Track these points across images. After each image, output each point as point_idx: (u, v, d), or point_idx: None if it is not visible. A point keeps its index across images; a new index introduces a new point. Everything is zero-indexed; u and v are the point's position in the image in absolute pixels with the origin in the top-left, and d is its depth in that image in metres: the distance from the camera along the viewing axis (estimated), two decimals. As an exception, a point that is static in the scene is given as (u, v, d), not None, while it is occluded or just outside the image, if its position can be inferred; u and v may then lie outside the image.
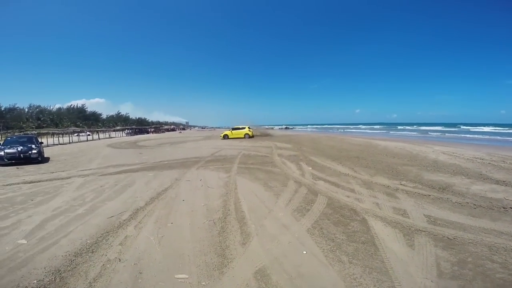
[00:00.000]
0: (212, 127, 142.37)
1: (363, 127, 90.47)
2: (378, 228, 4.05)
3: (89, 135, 39.74)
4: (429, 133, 40.78)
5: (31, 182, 7.69)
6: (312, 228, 4.10)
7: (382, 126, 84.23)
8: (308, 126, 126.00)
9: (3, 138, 28.05)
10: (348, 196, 5.77)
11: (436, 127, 65.41)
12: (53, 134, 29.43)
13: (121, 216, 4.77)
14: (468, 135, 32.96)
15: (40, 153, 12.69)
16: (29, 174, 9.25)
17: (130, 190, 6.60)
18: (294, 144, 19.06)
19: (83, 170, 9.74)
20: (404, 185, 6.64)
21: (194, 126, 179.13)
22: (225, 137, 27.71)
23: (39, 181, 7.77)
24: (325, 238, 3.76)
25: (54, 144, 25.49)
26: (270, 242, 3.70)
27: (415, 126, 74.06)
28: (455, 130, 47.86)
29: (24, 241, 3.77)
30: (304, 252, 3.39)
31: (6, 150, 11.78)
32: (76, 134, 37.54)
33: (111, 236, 3.96)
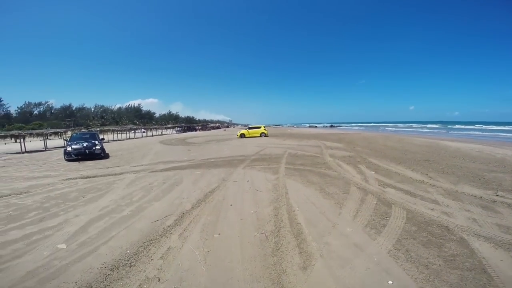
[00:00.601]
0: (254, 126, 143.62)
1: (415, 125, 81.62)
2: (486, 250, 3.17)
3: (144, 132, 42.94)
4: (499, 133, 33.88)
5: (87, 177, 7.96)
6: (394, 250, 3.23)
7: (439, 125, 74.35)
8: (353, 124, 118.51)
9: (73, 134, 31.97)
10: (432, 209, 4.69)
11: (506, 126, 55.03)
12: (113, 131, 32.43)
13: (166, 220, 4.33)
14: None
15: (103, 149, 13.53)
16: (88, 168, 9.75)
17: (178, 190, 6.26)
18: (346, 144, 17.44)
19: (135, 166, 9.93)
20: (502, 196, 5.26)
21: (237, 124, 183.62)
22: (242, 136, 27.27)
23: (95, 177, 8.00)
24: (415, 263, 2.94)
25: (113, 140, 27.97)
26: (340, 267, 2.92)
27: (477, 125, 63.83)
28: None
29: (63, 246, 3.52)
30: (390, 282, 2.63)
31: (73, 146, 12.52)
32: (133, 131, 40.88)
33: (153, 246, 3.47)
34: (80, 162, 11.57)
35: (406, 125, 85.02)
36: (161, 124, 66.17)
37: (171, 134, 46.72)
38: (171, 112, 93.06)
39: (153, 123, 68.24)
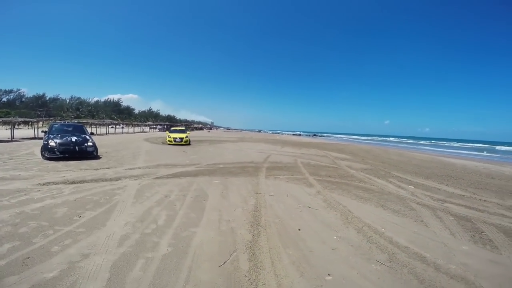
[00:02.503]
0: (236, 129, 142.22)
1: (392, 138, 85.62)
2: None
3: (123, 128, 39.73)
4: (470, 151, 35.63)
5: (73, 182, 6.01)
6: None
7: (417, 140, 77.68)
8: (334, 135, 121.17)
9: (45, 125, 28.17)
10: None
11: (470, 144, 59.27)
12: (91, 125, 29.23)
13: (237, 263, 2.79)
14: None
15: (96, 147, 10.44)
16: (70, 169, 7.70)
17: (210, 207, 4.67)
18: (352, 155, 16.59)
19: (131, 169, 8.06)
20: None
21: (220, 127, 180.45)
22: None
23: (83, 182, 6.09)
24: None
25: (92, 134, 24.99)
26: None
27: (451, 143, 67.82)
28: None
29: None
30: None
31: (57, 141, 9.31)
32: (111, 126, 37.59)
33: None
34: (59, 160, 9.20)
35: (382, 138, 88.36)
36: (141, 121, 62.46)
37: (154, 131, 43.69)
38: (151, 109, 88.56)
39: (132, 119, 64.08)
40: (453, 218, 4.79)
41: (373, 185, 7.58)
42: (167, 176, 7.22)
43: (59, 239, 3.10)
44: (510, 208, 5.68)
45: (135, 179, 6.61)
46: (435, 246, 3.57)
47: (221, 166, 9.70)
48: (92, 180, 6.25)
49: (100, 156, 10.62)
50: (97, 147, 10.78)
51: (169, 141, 18.64)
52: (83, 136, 10.50)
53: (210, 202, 4.98)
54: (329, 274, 2.70)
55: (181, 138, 18.61)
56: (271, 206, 4.99)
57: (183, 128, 21.85)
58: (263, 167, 9.83)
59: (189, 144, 19.20)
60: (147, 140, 22.36)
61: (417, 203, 5.74)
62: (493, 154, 30.29)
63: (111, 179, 6.46)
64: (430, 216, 4.85)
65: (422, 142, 65.41)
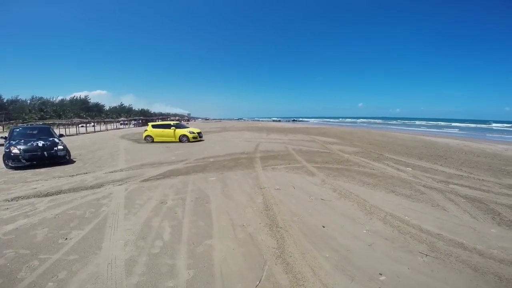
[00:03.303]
0: (215, 119, 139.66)
1: (362, 119, 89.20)
2: None
3: (94, 126, 37.07)
4: (444, 128, 37.94)
5: (47, 194, 5.13)
6: None
7: (396, 120, 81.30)
8: (312, 119, 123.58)
9: (5, 130, 25.24)
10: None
11: (451, 122, 63.71)
12: (58, 125, 26.74)
13: (273, 278, 2.39)
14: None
15: (68, 150, 9.29)
16: (41, 178, 6.70)
17: (216, 210, 4.12)
18: (339, 139, 16.56)
19: (112, 172, 7.21)
20: None
21: (197, 118, 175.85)
22: (147, 138, 15.97)
23: (59, 192, 5.23)
24: None
25: (61, 136, 22.88)
26: None
27: (422, 121, 71.98)
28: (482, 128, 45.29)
29: None
30: None
31: (20, 147, 8.08)
32: (81, 125, 34.86)
33: None
34: (27, 168, 8.01)
35: (359, 120, 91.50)
36: (112, 118, 58.87)
37: (129, 128, 41.25)
38: (123, 104, 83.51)
39: (103, 116, 60.13)
40: (465, 200, 4.69)
41: (373, 169, 7.43)
42: (156, 177, 6.51)
43: (49, 272, 2.43)
44: (510, 187, 5.74)
45: (120, 184, 5.86)
46: (465, 231, 3.42)
47: (212, 160, 9.08)
48: (70, 190, 5.41)
49: (74, 160, 9.50)
50: (69, 150, 9.64)
51: (193, 137, 15.45)
52: (51, 139, 9.22)
53: (214, 204, 4.43)
54: (380, 274, 2.41)
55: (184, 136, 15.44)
56: (282, 202, 4.56)
57: (170, 123, 16.58)
58: (256, 157, 9.36)
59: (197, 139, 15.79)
60: (123, 137, 20.85)
61: (424, 186, 5.65)
62: (463, 132, 32.29)
63: (92, 187, 5.65)
64: (443, 200, 4.72)
65: (394, 122, 68.72)
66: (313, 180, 6.23)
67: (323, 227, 3.50)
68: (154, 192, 5.18)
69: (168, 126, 15.97)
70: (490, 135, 24.96)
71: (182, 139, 15.34)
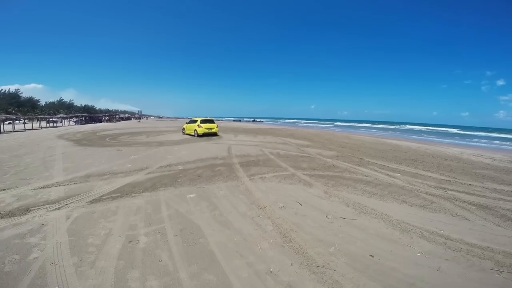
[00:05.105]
0: (170, 117, 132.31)
1: (315, 121, 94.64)
2: None
3: (25, 123, 31.10)
4: (389, 131, 42.14)
5: None
6: None
7: (343, 123, 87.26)
8: (266, 119, 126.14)
9: None
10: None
11: (386, 125, 71.25)
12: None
13: None
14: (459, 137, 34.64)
15: None
16: None
17: (220, 251, 2.82)
18: (310, 141, 16.14)
19: (45, 187, 5.24)
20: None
21: (149, 116, 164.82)
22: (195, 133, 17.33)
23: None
24: None
25: (-28, 135, 18.17)
26: None
27: (365, 124, 78.98)
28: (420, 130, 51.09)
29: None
30: None
31: None
32: (8, 122, 28.81)
33: None
34: None
35: (312, 122, 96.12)
36: (49, 114, 50.89)
37: (68, 126, 35.61)
38: (62, 99, 72.93)
39: (38, 113, 51.46)
40: (475, 208, 4.62)
41: (365, 176, 6.93)
42: (111, 196, 4.80)
43: None
44: (499, 191, 5.82)
45: (58, 208, 4.07)
46: (508, 241, 3.35)
47: (181, 167, 7.52)
48: (-31, 222, 3.47)
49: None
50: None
51: (200, 132, 17.23)
52: None
53: (211, 239, 3.09)
54: None
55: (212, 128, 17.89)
56: (298, 226, 3.46)
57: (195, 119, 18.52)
58: (235, 164, 8.09)
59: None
60: (61, 137, 17.38)
61: (426, 193, 5.45)
62: (412, 135, 35.50)
63: (11, 213, 3.78)
64: (455, 208, 4.60)
65: (344, 123, 74.15)
66: (315, 192, 5.28)
67: (372, 256, 2.69)
68: (113, 222, 3.57)
69: (211, 121, 18.25)
70: (416, 136, 27.64)
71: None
